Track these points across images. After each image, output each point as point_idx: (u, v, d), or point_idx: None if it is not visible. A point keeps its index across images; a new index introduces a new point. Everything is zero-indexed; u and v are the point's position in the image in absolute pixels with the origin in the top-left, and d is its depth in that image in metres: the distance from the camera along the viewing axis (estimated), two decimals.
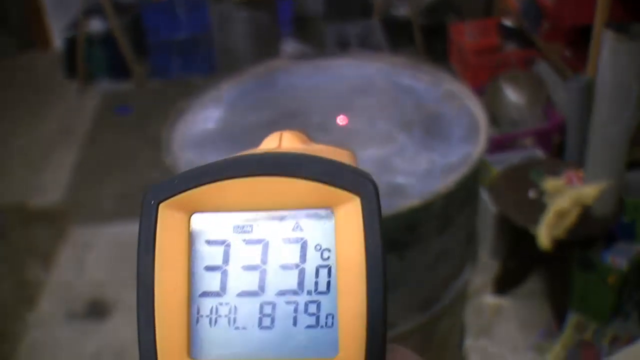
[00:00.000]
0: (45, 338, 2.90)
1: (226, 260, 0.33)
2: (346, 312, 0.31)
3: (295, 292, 0.32)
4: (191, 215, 0.34)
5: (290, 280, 0.32)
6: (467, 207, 1.34)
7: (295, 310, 0.32)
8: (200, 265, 0.34)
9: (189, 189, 0.33)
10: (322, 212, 0.32)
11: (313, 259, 0.32)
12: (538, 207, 2.40)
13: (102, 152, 3.98)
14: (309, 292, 0.32)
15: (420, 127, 1.43)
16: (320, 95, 1.58)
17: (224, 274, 0.33)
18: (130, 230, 3.39)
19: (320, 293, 0.32)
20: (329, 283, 0.32)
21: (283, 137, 0.37)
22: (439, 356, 1.48)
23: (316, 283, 0.32)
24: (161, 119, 3.82)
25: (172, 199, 0.33)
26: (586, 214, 2.39)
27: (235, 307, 0.33)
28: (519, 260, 2.77)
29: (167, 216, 0.33)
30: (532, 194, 2.51)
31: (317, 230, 0.32)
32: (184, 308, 0.33)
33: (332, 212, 0.31)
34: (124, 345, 2.81)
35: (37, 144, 4.05)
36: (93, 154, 3.97)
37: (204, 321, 0.33)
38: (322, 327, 0.32)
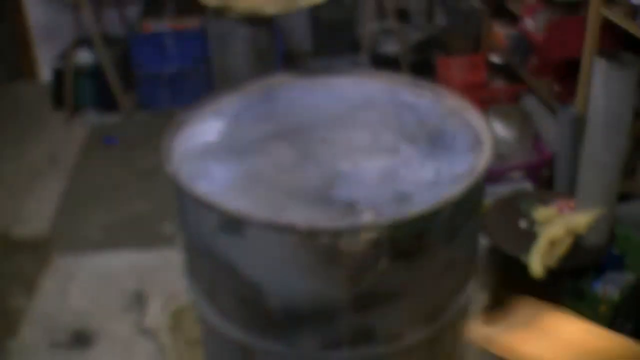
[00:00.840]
0: None
1: None
2: None
3: None
4: None
5: None
6: (473, 219, 1.33)
7: None
8: None
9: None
10: None
11: None
12: (529, 237, 2.41)
13: (88, 182, 3.94)
14: None
15: (424, 141, 1.43)
16: (322, 111, 1.58)
17: None
18: (114, 261, 3.36)
19: None
20: None
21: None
22: None
23: None
24: (148, 150, 3.84)
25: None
26: (577, 243, 2.40)
27: None
28: (509, 291, 2.75)
29: None
30: (523, 224, 2.51)
31: None
32: None
33: None
34: None
35: (23, 173, 4.00)
36: (79, 184, 3.93)
37: None
38: None
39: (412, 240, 1.19)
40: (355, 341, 1.26)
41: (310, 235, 1.13)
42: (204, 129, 1.53)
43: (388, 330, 1.27)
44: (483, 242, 2.71)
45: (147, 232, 3.49)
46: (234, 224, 1.20)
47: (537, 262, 2.30)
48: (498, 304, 2.72)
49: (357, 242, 1.13)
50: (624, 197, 2.67)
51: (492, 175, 3.08)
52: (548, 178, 3.11)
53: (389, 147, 1.42)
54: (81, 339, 2.95)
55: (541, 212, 2.49)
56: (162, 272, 3.16)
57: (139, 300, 3.08)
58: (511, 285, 2.71)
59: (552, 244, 2.35)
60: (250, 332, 1.31)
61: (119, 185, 3.86)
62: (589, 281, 2.47)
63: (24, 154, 4.18)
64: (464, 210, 1.27)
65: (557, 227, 2.37)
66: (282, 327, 1.27)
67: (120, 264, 3.32)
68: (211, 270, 1.34)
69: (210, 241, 1.28)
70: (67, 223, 3.62)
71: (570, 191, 2.77)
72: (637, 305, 2.52)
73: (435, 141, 1.42)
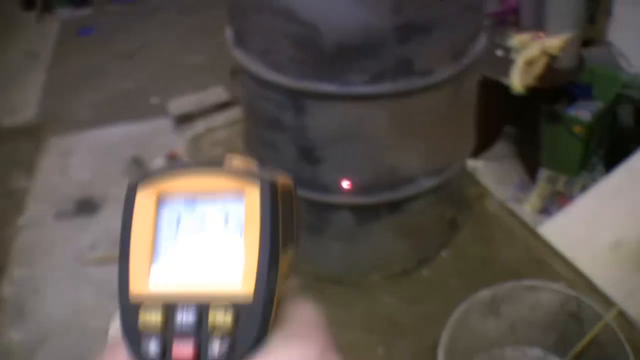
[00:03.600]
0: (36, 237, 2.94)
1: (179, 220, 0.50)
2: (247, 258, 0.48)
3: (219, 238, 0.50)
4: (159, 193, 0.51)
5: (217, 230, 0.50)
6: None
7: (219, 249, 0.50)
8: (162, 224, 0.50)
9: (158, 177, 0.50)
10: (238, 194, 0.50)
11: (232, 223, 0.50)
12: (507, 63, 2.56)
13: (70, 70, 4.01)
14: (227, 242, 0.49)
15: None
16: None
17: (178, 227, 0.50)
18: (109, 134, 3.47)
19: (233, 246, 0.49)
20: (238, 239, 0.49)
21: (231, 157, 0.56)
22: (462, 117, 1.66)
23: (231, 239, 0.49)
24: (125, 36, 3.84)
25: (147, 183, 0.50)
26: (552, 65, 2.56)
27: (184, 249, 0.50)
28: (492, 118, 2.90)
29: (143, 193, 0.50)
30: (499, 52, 2.66)
31: (235, 205, 0.50)
32: (150, 251, 0.49)
33: (244, 195, 0.49)
34: (116, 234, 2.86)
35: (3, 70, 4.04)
36: (61, 72, 4.00)
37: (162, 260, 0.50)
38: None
39: None
40: (396, 73, 1.43)
41: None
42: None
43: (423, 64, 1.44)
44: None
45: (135, 106, 3.60)
46: None
47: (516, 80, 2.46)
48: (481, 135, 2.88)
49: None
50: (585, 43, 2.82)
51: None
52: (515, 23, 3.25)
53: None
54: (86, 206, 3.06)
55: (517, 39, 2.64)
56: (157, 137, 3.29)
57: (137, 164, 3.20)
58: (496, 112, 2.87)
59: (529, 63, 2.51)
60: (304, 78, 1.47)
61: (101, 69, 3.95)
62: (563, 107, 2.64)
63: (1, 53, 4.22)
64: None
65: (532, 49, 2.53)
66: (335, 65, 1.43)
67: (116, 136, 3.42)
68: (269, 25, 1.48)
69: None
70: (57, 107, 3.69)
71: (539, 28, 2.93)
72: (609, 127, 2.72)
73: None
